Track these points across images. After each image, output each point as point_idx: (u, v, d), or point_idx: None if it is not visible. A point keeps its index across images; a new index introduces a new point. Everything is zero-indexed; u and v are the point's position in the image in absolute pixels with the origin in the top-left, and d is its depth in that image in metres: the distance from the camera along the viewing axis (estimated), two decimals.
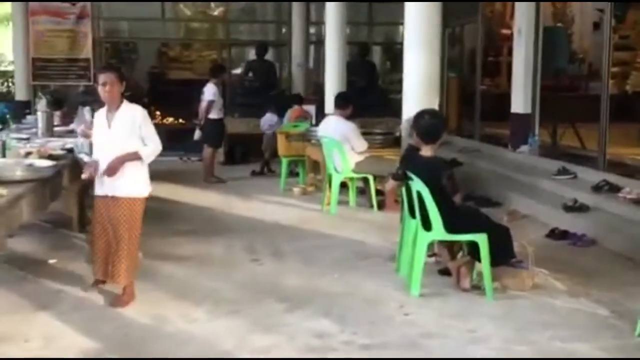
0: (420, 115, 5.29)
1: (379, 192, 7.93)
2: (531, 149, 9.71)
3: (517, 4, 10.18)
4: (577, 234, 6.61)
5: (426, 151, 5.18)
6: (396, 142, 10.65)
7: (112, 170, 4.62)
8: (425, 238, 5.00)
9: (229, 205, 8.34)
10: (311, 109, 11.07)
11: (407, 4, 6.42)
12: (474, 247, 4.98)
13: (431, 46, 6.30)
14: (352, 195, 8.24)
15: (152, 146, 4.74)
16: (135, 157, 4.70)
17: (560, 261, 5.80)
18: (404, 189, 5.37)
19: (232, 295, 5.07)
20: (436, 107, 6.21)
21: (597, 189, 7.48)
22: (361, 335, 4.29)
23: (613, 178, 7.61)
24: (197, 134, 10.10)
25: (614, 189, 7.35)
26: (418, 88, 6.33)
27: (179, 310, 4.70)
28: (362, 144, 8.14)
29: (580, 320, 4.55)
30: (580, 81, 13.03)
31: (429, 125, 5.18)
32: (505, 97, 10.61)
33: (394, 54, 16.63)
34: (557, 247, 6.40)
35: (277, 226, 7.29)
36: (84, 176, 4.74)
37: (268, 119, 10.98)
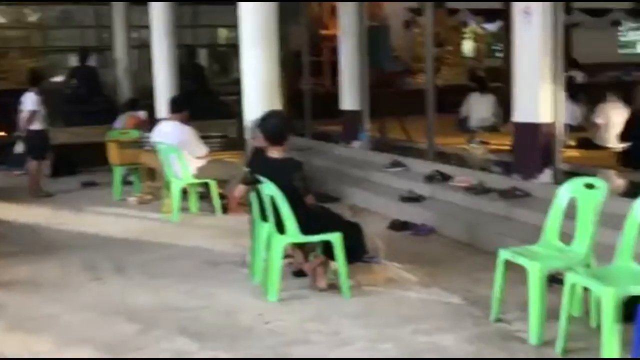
0: (266, 117, 5.21)
1: (221, 196, 7.75)
2: (362, 144, 9.97)
3: (340, 4, 10.37)
4: (416, 223, 6.82)
5: (274, 153, 5.10)
6: (233, 144, 10.52)
7: None
8: (280, 242, 4.91)
9: (61, 221, 7.78)
10: (143, 114, 10.61)
11: (242, 3, 6.27)
12: (327, 246, 4.97)
13: (269, 46, 6.21)
14: (193, 201, 7.99)
15: None
16: None
17: (405, 252, 5.93)
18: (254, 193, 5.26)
19: (76, 319, 4.69)
20: (278, 107, 6.14)
21: (429, 179, 7.77)
22: (222, 350, 4.12)
23: (443, 168, 7.93)
24: (19, 147, 9.40)
25: (446, 178, 7.67)
26: (258, 89, 6.21)
27: (19, 343, 4.29)
28: (201, 149, 7.93)
29: (437, 310, 4.64)
30: (398, 77, 13.59)
31: (276, 126, 5.12)
32: (332, 96, 10.78)
33: (219, 55, 16.48)
34: (400, 238, 6.55)
35: (116, 239, 6.89)
36: None
37: None
